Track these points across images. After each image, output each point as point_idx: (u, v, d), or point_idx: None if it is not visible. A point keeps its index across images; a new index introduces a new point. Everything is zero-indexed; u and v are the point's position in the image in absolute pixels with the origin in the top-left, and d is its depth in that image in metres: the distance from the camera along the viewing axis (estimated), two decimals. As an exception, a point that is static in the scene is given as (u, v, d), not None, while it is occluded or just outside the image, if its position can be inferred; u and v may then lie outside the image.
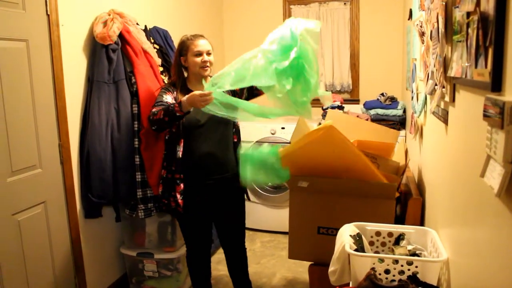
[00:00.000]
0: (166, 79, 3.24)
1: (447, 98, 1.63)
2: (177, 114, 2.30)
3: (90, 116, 2.70)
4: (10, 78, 2.25)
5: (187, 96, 2.29)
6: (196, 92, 2.23)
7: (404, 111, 3.96)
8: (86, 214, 2.82)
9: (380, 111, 4.00)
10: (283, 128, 4.00)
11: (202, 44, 2.50)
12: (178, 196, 2.48)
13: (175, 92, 2.52)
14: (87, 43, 2.77)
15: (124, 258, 3.17)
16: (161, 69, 3.19)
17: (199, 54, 2.49)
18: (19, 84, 2.32)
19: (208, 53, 2.52)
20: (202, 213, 2.60)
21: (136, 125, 2.81)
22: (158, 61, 3.13)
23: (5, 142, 2.23)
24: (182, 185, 2.49)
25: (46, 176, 2.51)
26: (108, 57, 2.72)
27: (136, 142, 2.82)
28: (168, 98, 2.46)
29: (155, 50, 3.16)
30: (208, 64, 2.51)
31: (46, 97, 2.49)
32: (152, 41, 3.21)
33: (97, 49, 2.72)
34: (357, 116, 3.82)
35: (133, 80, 2.83)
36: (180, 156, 2.47)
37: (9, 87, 2.24)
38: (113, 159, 2.75)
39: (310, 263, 2.50)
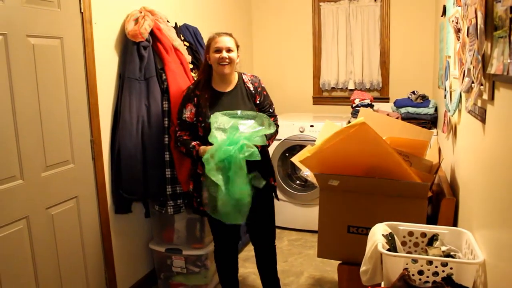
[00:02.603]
0: (196, 77, 3.26)
1: (485, 96, 1.59)
2: (194, 157, 2.53)
3: (121, 112, 2.73)
4: (45, 75, 2.30)
5: (204, 148, 2.44)
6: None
7: (436, 110, 3.88)
8: (116, 209, 2.86)
9: (411, 109, 3.93)
10: (312, 126, 3.98)
11: (222, 41, 2.51)
12: (205, 195, 2.48)
13: (195, 99, 2.56)
14: (119, 40, 2.81)
15: (152, 254, 3.20)
16: (191, 66, 3.20)
17: (218, 50, 2.50)
18: (53, 81, 2.36)
19: (229, 50, 2.51)
20: None
21: (166, 122, 2.83)
22: (188, 58, 3.14)
23: (39, 137, 2.28)
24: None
25: (78, 171, 2.56)
26: (140, 54, 2.75)
27: (166, 139, 2.84)
28: (187, 113, 2.56)
29: (185, 47, 3.18)
30: (226, 61, 2.50)
31: (79, 93, 2.54)
32: (182, 38, 3.22)
33: (128, 46, 2.75)
34: (387, 115, 3.76)
35: (164, 77, 2.85)
36: None
37: (44, 83, 2.29)
38: (143, 156, 2.77)
39: (338, 262, 2.48)
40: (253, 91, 2.64)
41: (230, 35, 2.58)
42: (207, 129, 2.42)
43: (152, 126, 2.79)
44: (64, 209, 2.48)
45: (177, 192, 2.86)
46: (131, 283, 3.08)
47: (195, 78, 3.17)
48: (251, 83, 2.66)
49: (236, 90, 2.62)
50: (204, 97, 2.55)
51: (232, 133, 2.29)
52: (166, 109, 2.83)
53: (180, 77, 2.93)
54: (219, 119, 2.35)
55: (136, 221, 3.09)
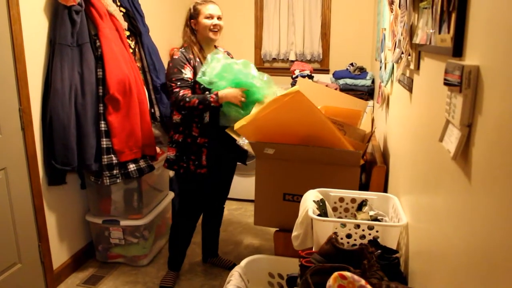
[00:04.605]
0: (132, 44, 3.17)
1: (412, 66, 1.64)
2: (213, 105, 2.47)
3: (52, 80, 2.61)
4: (-35, 38, 2.15)
5: (226, 91, 2.45)
6: (239, 91, 2.45)
7: (373, 82, 3.98)
8: (49, 181, 2.76)
9: (349, 81, 4.01)
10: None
11: (212, 8, 2.62)
12: (204, 158, 2.62)
13: (191, 61, 2.57)
14: (48, 4, 2.65)
15: (89, 226, 3.14)
16: (127, 33, 3.10)
17: (210, 17, 2.59)
18: (-25, 45, 2.22)
19: (219, 18, 2.63)
20: (212, 173, 2.72)
21: (101, 90, 2.75)
22: (124, 24, 3.04)
23: (-39, 105, 2.15)
24: (205, 150, 2.63)
25: (6, 141, 2.43)
26: (71, 18, 2.62)
27: (101, 108, 2.75)
28: (188, 73, 2.54)
29: (121, 13, 3.07)
30: (218, 27, 2.62)
31: (5, 59, 2.39)
32: (118, 4, 3.11)
33: (59, 10, 2.61)
34: (326, 86, 3.83)
35: (98, 44, 2.74)
36: (208, 120, 2.58)
37: (-36, 48, 2.14)
38: (77, 125, 2.68)
39: (275, 229, 2.53)
40: None
41: (216, 3, 2.67)
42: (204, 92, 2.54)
43: (86, 94, 2.69)
44: (-9, 181, 2.37)
45: (113, 162, 2.80)
46: (68, 256, 3.02)
47: (132, 46, 3.09)
48: (228, 55, 2.84)
49: None
50: (197, 61, 2.60)
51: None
52: (101, 77, 2.74)
53: (116, 44, 2.83)
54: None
55: (71, 192, 3.00)
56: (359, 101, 2.85)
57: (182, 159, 2.65)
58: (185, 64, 2.55)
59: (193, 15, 2.63)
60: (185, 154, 2.64)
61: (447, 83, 0.98)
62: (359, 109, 2.69)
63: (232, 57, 2.84)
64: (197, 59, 2.60)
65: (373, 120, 2.61)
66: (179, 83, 2.51)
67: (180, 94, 2.49)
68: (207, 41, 2.66)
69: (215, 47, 2.77)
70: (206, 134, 2.61)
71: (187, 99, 2.48)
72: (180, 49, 2.61)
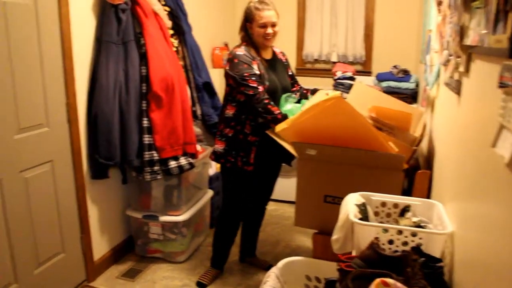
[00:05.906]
0: (176, 42, 3.20)
1: (461, 68, 1.59)
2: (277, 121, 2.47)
3: (98, 76, 2.68)
4: (17, 35, 2.22)
5: None
6: None
7: (417, 85, 3.88)
8: (92, 175, 2.83)
9: (393, 83, 3.93)
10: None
11: (267, 16, 2.57)
12: (252, 156, 2.63)
13: (255, 59, 2.58)
14: (96, 2, 2.72)
15: (130, 220, 3.20)
16: (171, 32, 3.14)
17: (264, 26, 2.56)
18: (26, 41, 2.29)
19: (273, 25, 2.59)
20: (258, 172, 2.72)
21: (144, 87, 2.79)
22: (168, 23, 3.08)
23: (12, 99, 2.22)
24: (255, 148, 2.64)
25: (53, 135, 2.51)
26: (117, 17, 2.68)
27: (144, 105, 2.80)
28: (256, 69, 2.54)
29: (166, 12, 3.11)
30: (271, 35, 2.59)
31: (54, 55, 2.47)
32: (163, 3, 3.15)
33: (106, 9, 2.67)
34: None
35: (142, 42, 2.79)
36: (261, 120, 2.56)
37: (16, 43, 2.22)
38: (121, 121, 2.74)
39: (314, 231, 2.50)
40: (286, 63, 2.86)
41: (272, 6, 2.62)
42: (267, 92, 2.54)
43: (130, 91, 2.74)
44: (39, 173, 2.44)
45: (154, 158, 2.84)
46: (108, 249, 3.09)
47: (175, 45, 3.13)
48: (282, 56, 2.86)
49: (275, 59, 2.77)
50: (258, 60, 2.60)
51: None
52: (144, 74, 2.79)
53: (159, 42, 2.87)
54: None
55: (113, 187, 3.07)
56: (416, 109, 2.79)
57: (231, 154, 2.66)
58: (252, 60, 2.55)
59: (248, 18, 2.61)
60: (235, 149, 2.65)
61: (502, 86, 0.93)
62: (415, 116, 2.62)
63: (286, 59, 2.87)
64: (258, 58, 2.60)
65: (425, 125, 2.54)
66: (254, 78, 2.50)
67: (260, 90, 2.49)
68: (261, 45, 2.64)
69: (271, 48, 2.76)
70: (258, 133, 2.60)
71: (272, 103, 2.50)
72: (242, 47, 2.61)
